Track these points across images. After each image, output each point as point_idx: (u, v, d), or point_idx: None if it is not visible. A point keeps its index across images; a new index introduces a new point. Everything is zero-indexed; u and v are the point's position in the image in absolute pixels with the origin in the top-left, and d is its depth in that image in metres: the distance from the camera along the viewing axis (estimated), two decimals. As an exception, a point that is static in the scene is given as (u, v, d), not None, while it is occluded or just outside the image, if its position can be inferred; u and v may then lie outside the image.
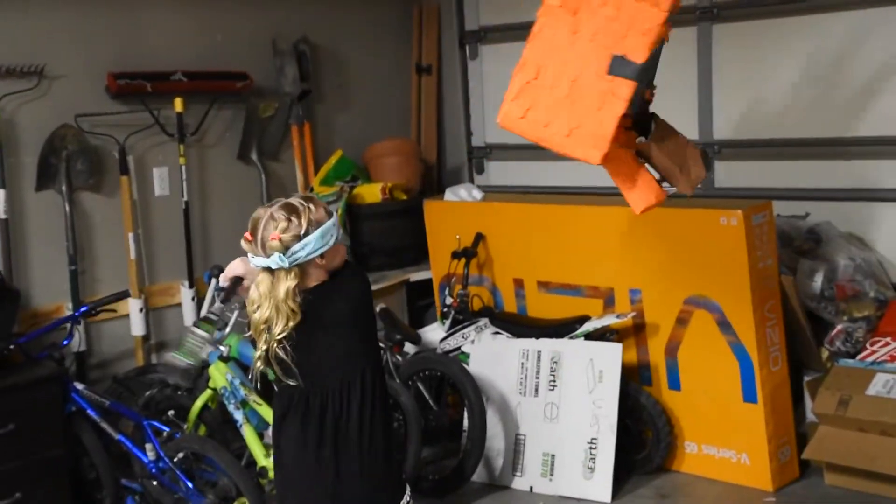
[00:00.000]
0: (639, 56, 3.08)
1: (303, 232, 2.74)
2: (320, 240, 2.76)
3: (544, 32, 2.99)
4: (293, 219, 2.75)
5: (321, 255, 2.78)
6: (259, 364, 2.80)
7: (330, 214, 2.83)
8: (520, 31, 6.05)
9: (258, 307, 2.78)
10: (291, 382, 2.78)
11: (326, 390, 2.80)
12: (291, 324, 2.74)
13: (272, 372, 2.81)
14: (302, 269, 2.78)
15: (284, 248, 2.73)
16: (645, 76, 3.16)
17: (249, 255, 2.81)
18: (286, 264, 2.73)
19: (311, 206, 2.80)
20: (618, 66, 3.06)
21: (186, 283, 5.39)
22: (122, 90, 5.09)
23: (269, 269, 2.77)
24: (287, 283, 2.74)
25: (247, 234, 2.80)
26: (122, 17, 5.22)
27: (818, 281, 4.74)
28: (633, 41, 3.06)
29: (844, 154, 4.99)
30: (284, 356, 2.75)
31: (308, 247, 2.74)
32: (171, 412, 4.69)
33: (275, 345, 2.75)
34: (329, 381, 2.80)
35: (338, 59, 6.22)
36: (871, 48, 4.82)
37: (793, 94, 5.10)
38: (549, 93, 3.02)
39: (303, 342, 2.76)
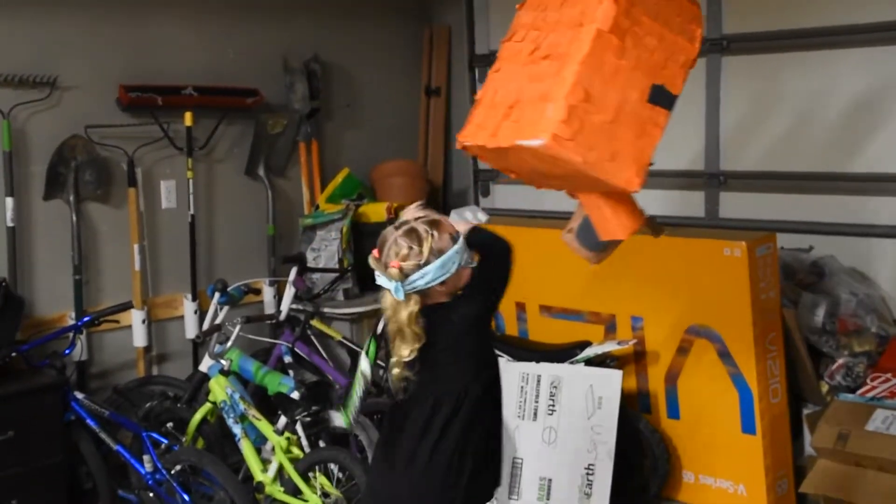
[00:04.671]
0: (676, 87, 3.13)
1: (423, 261, 2.76)
2: (440, 269, 2.78)
3: (593, 56, 3.03)
4: (415, 247, 2.78)
5: (441, 283, 2.81)
6: (397, 370, 2.87)
7: (455, 240, 2.83)
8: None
9: (388, 321, 2.85)
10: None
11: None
12: (418, 345, 2.80)
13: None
14: (422, 294, 2.81)
15: (404, 277, 2.75)
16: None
17: (376, 272, 2.82)
18: (400, 295, 2.76)
19: (436, 232, 2.81)
20: (656, 95, 3.10)
21: (190, 296, 5.41)
22: (133, 103, 5.12)
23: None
24: (409, 309, 2.78)
25: (374, 252, 2.83)
26: (135, 31, 5.26)
27: (820, 315, 4.74)
28: (671, 72, 3.11)
29: (850, 189, 5.00)
30: (410, 375, 2.84)
31: (427, 276, 2.78)
32: (170, 424, 4.70)
33: (403, 366, 2.83)
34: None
35: (348, 78, 6.26)
36: (879, 85, 4.84)
37: (800, 127, 5.12)
38: (596, 117, 3.04)
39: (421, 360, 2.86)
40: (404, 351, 2.81)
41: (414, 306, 2.79)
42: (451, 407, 2.87)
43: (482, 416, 2.93)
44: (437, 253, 2.78)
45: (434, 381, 2.88)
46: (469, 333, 2.91)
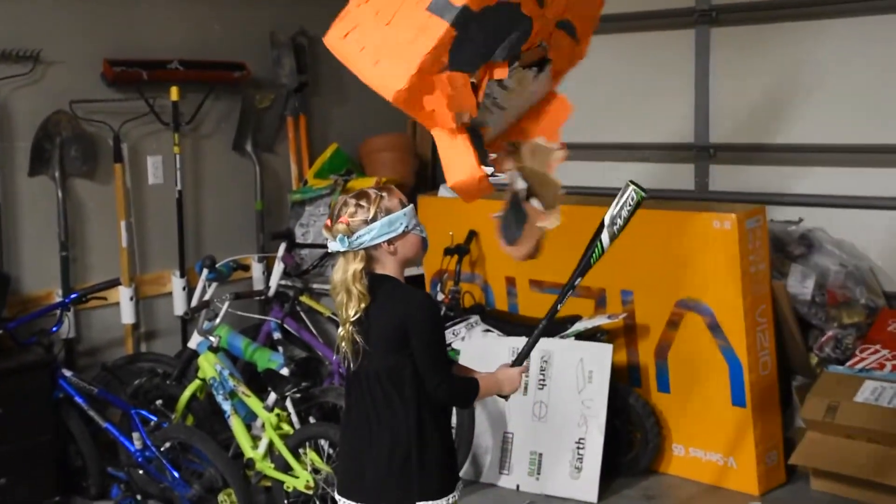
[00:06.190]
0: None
1: (370, 217, 2.83)
2: (387, 226, 2.84)
3: None
4: (363, 204, 2.85)
5: (389, 242, 2.86)
6: (343, 345, 2.88)
7: (405, 205, 2.90)
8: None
9: (337, 293, 2.87)
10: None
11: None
12: (363, 305, 2.83)
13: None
14: (370, 254, 2.87)
15: (351, 232, 2.82)
16: (470, 36, 3.00)
17: (329, 240, 2.89)
18: (344, 246, 2.83)
19: (385, 193, 2.89)
20: (437, 4, 2.95)
21: (178, 273, 5.38)
22: (118, 77, 5.08)
23: (343, 254, 2.87)
24: (354, 266, 2.84)
25: (326, 222, 2.89)
26: (120, 5, 5.20)
27: (809, 287, 4.75)
28: None
29: (839, 161, 4.99)
30: (357, 339, 2.84)
31: (373, 231, 2.83)
32: (159, 401, 4.68)
33: (349, 327, 2.83)
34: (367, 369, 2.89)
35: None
36: (866, 55, 4.83)
37: (789, 99, 5.11)
38: (373, 18, 3.00)
39: (365, 325, 2.85)
40: (350, 311, 2.84)
41: (359, 263, 2.84)
42: (387, 387, 2.86)
43: (433, 414, 2.89)
44: (384, 211, 2.85)
45: (369, 356, 2.87)
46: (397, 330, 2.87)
